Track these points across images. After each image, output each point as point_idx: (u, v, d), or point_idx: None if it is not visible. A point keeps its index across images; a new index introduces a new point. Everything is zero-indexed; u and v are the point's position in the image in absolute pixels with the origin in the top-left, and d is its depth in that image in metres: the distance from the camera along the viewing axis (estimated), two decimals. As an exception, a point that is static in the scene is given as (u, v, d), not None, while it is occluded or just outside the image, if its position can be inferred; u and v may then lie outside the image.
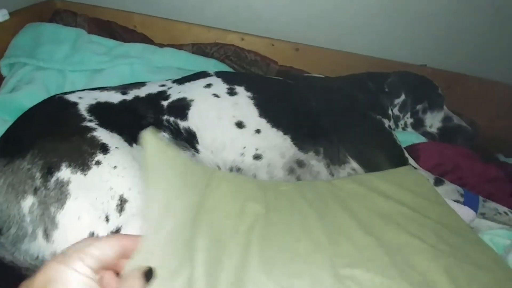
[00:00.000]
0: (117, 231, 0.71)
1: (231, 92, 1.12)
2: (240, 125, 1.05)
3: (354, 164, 1.17)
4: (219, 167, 1.02)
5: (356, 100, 1.30)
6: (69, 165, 0.76)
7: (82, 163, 0.77)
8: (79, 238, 0.71)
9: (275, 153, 1.05)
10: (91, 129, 0.84)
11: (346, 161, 1.16)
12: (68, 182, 0.74)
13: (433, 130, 1.47)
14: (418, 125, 1.47)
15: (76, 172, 0.76)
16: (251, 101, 1.11)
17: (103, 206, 0.73)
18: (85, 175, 0.76)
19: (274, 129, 1.07)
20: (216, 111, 1.06)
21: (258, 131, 1.06)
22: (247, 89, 1.13)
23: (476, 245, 0.84)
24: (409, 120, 1.47)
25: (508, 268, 0.79)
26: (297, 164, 1.07)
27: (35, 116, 0.91)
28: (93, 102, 0.95)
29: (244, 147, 1.03)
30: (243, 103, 1.10)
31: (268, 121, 1.08)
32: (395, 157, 1.17)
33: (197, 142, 1.02)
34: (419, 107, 1.45)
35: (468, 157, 1.40)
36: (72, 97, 0.95)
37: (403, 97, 1.39)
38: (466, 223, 0.95)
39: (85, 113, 0.90)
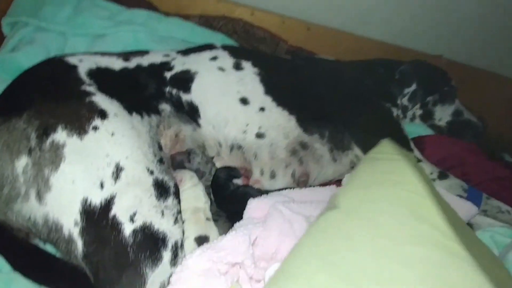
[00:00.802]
0: (111, 199, 0.69)
1: (237, 67, 1.08)
2: (244, 101, 1.02)
3: (357, 151, 1.14)
4: (220, 144, 1.00)
5: (366, 87, 1.25)
6: (66, 128, 0.74)
7: (79, 127, 0.75)
8: (72, 202, 0.70)
9: (278, 133, 1.02)
10: (90, 94, 0.81)
11: (350, 147, 1.13)
12: (63, 145, 0.72)
13: (442, 123, 1.43)
14: (427, 117, 1.43)
15: (72, 136, 0.74)
16: (257, 78, 1.07)
17: (98, 172, 0.71)
18: (81, 139, 0.74)
19: (279, 108, 1.04)
20: (220, 86, 1.02)
21: (262, 109, 1.03)
22: (254, 64, 1.09)
23: (476, 243, 0.82)
24: (418, 112, 1.43)
25: (501, 263, 0.77)
26: (300, 146, 1.05)
27: (33, 76, 0.88)
28: (93, 66, 0.92)
29: (247, 125, 1.00)
30: (248, 79, 1.06)
31: (273, 100, 1.04)
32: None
33: (199, 116, 0.99)
34: (429, 99, 1.41)
35: (475, 154, 1.37)
36: (72, 60, 0.92)
37: (414, 87, 1.34)
38: (464, 218, 0.93)
39: (84, 77, 0.87)
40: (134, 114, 0.85)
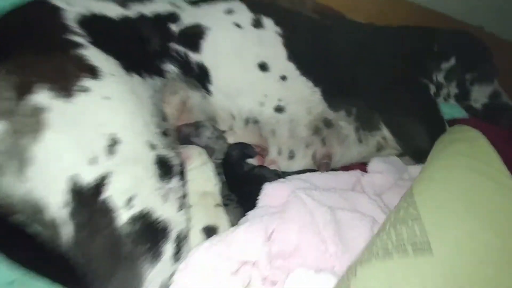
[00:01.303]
0: (105, 177, 0.57)
1: (257, 24, 0.90)
2: (263, 67, 0.87)
3: (386, 132, 1.01)
4: (233, 116, 0.86)
5: (401, 57, 1.09)
6: (49, 88, 0.60)
7: (65, 88, 0.61)
8: (58, 180, 0.59)
9: (300, 107, 0.88)
10: (80, 46, 0.66)
11: (378, 127, 1.00)
12: (46, 109, 0.58)
13: (478, 105, 1.27)
14: (462, 97, 1.27)
15: (58, 98, 0.60)
16: (280, 39, 0.90)
17: (90, 144, 0.58)
18: (68, 103, 0.60)
19: (303, 78, 0.89)
20: (236, 46, 0.86)
21: (284, 77, 0.88)
22: (277, 23, 0.92)
23: None
24: (454, 90, 1.26)
25: None
26: (324, 124, 0.91)
27: (10, 22, 0.71)
28: (86, 12, 0.75)
29: (265, 95, 0.86)
30: (270, 40, 0.90)
31: (297, 67, 0.89)
32: (435, 131, 0.99)
33: (210, 82, 0.84)
34: (468, 76, 1.24)
35: (508, 142, 1.24)
36: (58, 2, 0.75)
37: (453, 61, 1.17)
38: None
39: (73, 25, 0.71)
40: (133, 74, 0.70)
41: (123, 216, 0.55)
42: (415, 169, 0.93)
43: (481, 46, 1.26)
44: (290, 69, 0.88)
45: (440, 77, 1.19)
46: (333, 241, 0.62)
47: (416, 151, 1.00)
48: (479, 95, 1.27)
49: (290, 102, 0.87)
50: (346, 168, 1.01)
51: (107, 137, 0.59)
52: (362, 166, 1.01)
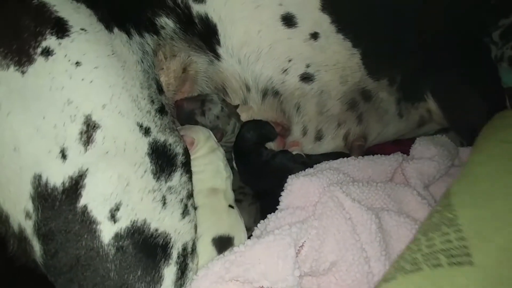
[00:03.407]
0: (79, 178, 0.42)
1: (280, -38, 0.68)
2: (288, 21, 0.67)
3: (431, 103, 0.84)
4: (248, 87, 0.69)
5: (455, 9, 0.86)
6: None
7: (19, 51, 0.45)
8: (17, 182, 0.43)
9: (334, 75, 0.71)
10: None
11: (422, 98, 0.83)
12: None
13: (536, 71, 1.07)
14: None
15: (8, 66, 0.45)
16: None
17: (56, 131, 0.44)
18: (22, 72, 0.45)
19: (340, 36, 0.70)
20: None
21: (314, 35, 0.69)
22: None
23: None
24: (508, 53, 1.05)
25: None
26: (361, 96, 0.74)
27: None
28: None
29: (290, 60, 0.68)
30: None
31: (333, 21, 0.69)
32: (493, 103, 0.82)
33: (218, 42, 0.66)
34: None
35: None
36: None
37: None
38: None
39: None
40: (116, 30, 0.52)
41: (106, 233, 0.41)
42: (468, 153, 0.79)
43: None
44: (324, 23, 0.69)
45: (495, 36, 0.98)
46: (378, 259, 0.48)
47: (468, 129, 0.84)
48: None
49: (321, 68, 0.70)
50: (378, 147, 0.86)
51: (79, 120, 0.44)
52: (399, 146, 0.86)
